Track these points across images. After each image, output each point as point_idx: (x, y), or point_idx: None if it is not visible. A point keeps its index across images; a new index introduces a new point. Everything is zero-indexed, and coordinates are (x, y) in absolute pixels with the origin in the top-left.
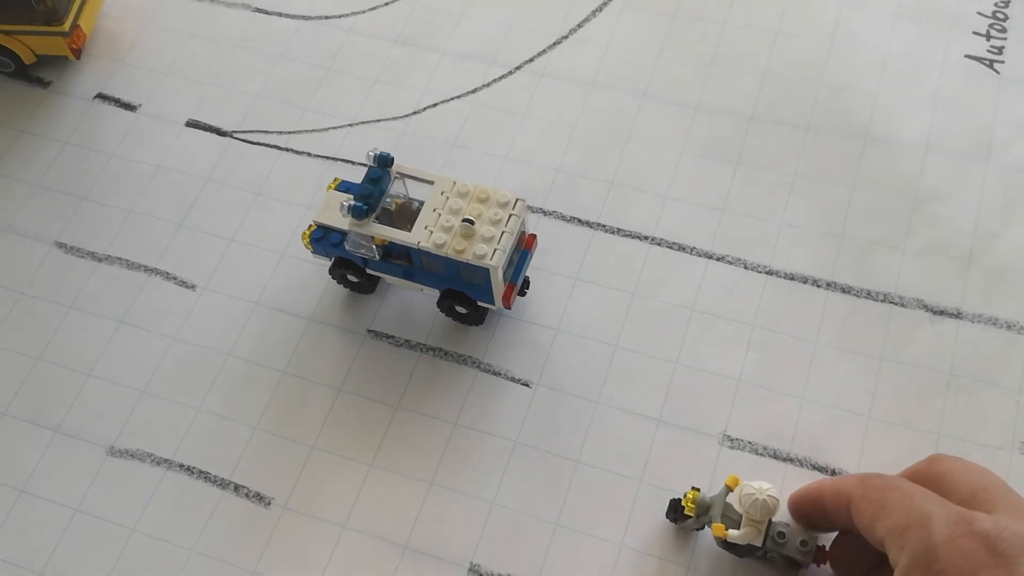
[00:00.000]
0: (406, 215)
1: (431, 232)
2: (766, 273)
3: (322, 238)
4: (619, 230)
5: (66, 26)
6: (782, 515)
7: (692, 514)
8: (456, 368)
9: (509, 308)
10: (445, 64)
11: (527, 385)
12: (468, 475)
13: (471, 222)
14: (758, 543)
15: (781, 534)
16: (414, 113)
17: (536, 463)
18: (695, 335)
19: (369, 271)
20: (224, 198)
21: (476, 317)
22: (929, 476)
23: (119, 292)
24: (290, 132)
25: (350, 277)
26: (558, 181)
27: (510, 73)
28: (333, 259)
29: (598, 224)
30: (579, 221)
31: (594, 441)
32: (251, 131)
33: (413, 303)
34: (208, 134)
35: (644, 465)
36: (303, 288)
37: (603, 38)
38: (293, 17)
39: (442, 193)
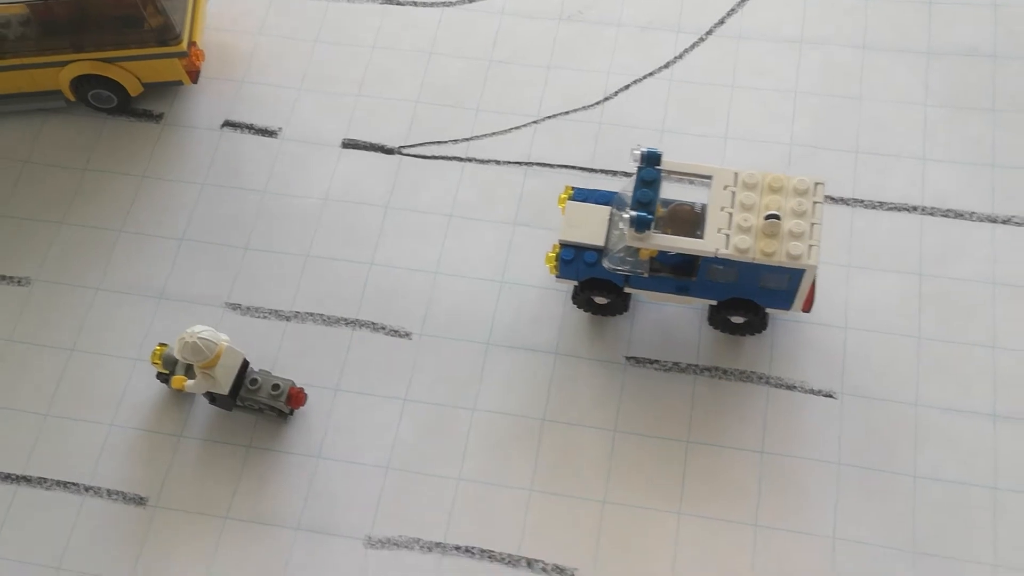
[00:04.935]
0: (682, 219)
1: (727, 236)
2: None
3: (573, 259)
4: (881, 204)
5: (183, 44)
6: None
7: (165, 370)
8: (742, 387)
9: (809, 311)
10: (624, 38)
11: (831, 396)
12: (797, 510)
13: (777, 217)
14: (222, 391)
15: (254, 381)
16: (605, 99)
17: (871, 485)
18: (1006, 312)
19: (628, 289)
20: (413, 226)
21: (760, 325)
22: None
23: (324, 351)
24: (467, 139)
25: (598, 299)
26: (795, 156)
27: (702, 40)
28: (579, 282)
29: (855, 200)
30: (832, 199)
31: (928, 451)
32: (421, 143)
33: (668, 317)
34: (372, 154)
35: (994, 469)
36: (536, 317)
37: None
38: (431, 5)
39: (725, 188)
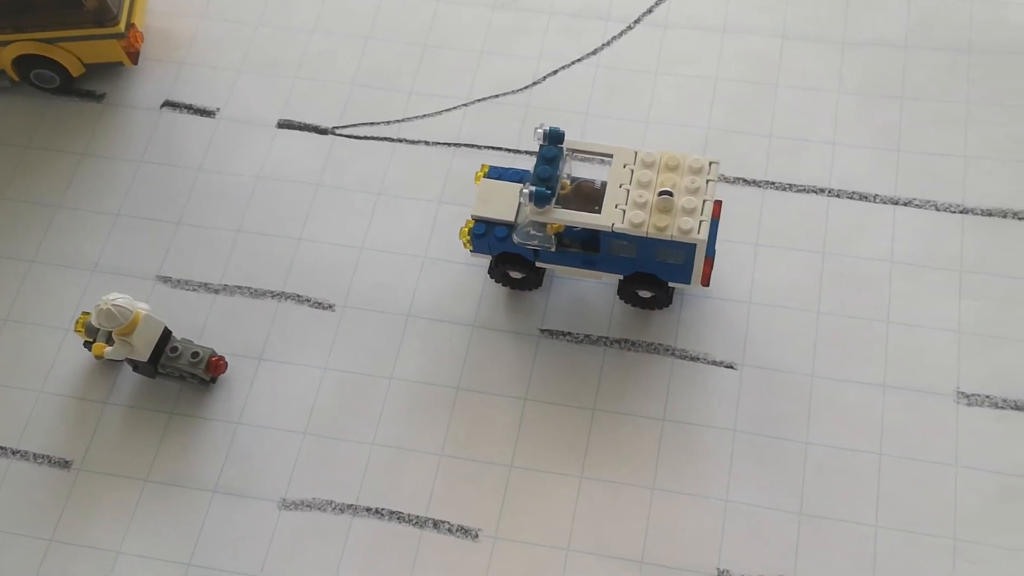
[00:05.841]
0: (586, 195)
1: (623, 211)
2: (961, 212)
3: (485, 233)
4: (791, 186)
5: (121, 26)
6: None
7: (88, 338)
8: (648, 359)
9: (708, 285)
10: (555, 25)
11: (732, 367)
12: (693, 475)
13: (669, 194)
14: (141, 357)
15: (174, 348)
16: (534, 83)
17: (764, 451)
18: (900, 289)
19: (539, 264)
20: (341, 203)
21: (665, 299)
22: None
23: (249, 322)
24: (399, 121)
25: (513, 274)
26: (712, 140)
27: (629, 28)
28: (493, 256)
29: (766, 182)
30: (745, 181)
31: (820, 419)
32: (354, 124)
33: (583, 292)
34: (306, 134)
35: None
36: (456, 292)
37: None
38: None
39: (624, 166)
